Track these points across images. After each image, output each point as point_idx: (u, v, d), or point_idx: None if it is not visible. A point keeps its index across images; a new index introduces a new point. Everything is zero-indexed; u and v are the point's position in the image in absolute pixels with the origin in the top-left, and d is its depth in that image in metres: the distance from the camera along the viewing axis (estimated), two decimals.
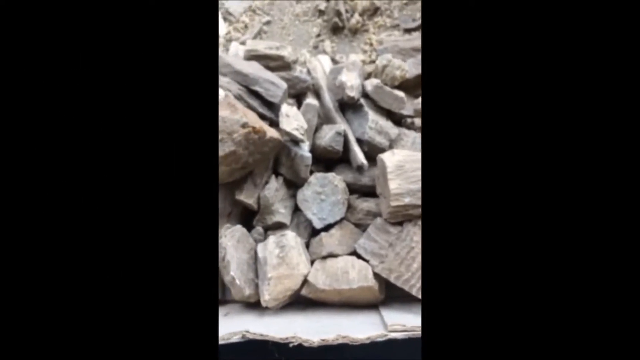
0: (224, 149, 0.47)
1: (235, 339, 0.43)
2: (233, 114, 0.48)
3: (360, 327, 0.46)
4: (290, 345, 0.42)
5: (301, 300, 0.55)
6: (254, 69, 0.58)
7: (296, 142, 0.56)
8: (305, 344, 0.42)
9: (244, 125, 0.48)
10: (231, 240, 0.52)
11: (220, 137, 0.47)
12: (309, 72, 0.65)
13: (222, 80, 0.53)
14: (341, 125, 0.58)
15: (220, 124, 0.48)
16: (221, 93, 0.49)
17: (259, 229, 0.57)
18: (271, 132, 0.51)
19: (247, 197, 0.54)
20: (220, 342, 0.43)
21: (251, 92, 0.57)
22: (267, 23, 0.70)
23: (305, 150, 0.56)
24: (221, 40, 0.69)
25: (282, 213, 0.56)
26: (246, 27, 0.70)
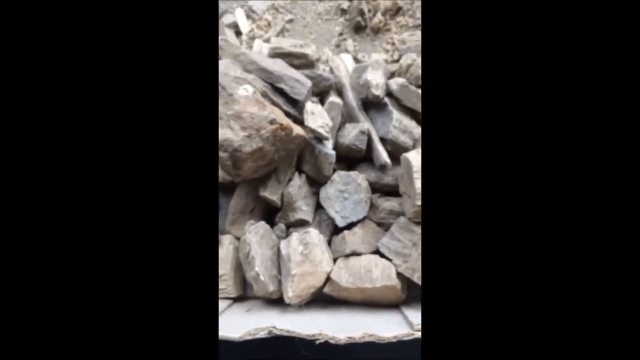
0: (251, 144, 0.48)
1: (262, 334, 0.43)
2: (261, 111, 0.48)
3: (385, 326, 0.46)
4: (317, 342, 0.42)
5: (322, 298, 0.55)
6: (279, 67, 0.58)
7: (320, 139, 0.57)
8: (332, 341, 0.42)
9: (272, 122, 0.48)
10: (255, 237, 0.52)
11: (248, 133, 0.47)
12: (331, 70, 0.65)
13: (247, 77, 0.54)
14: (365, 123, 0.58)
15: (248, 119, 0.48)
16: (249, 89, 0.49)
17: (281, 225, 0.57)
18: (297, 130, 0.51)
19: (271, 193, 0.54)
20: (247, 337, 0.43)
21: (275, 90, 0.57)
22: (290, 21, 0.71)
23: (329, 148, 0.56)
24: (244, 37, 0.69)
25: (304, 210, 0.56)
26: (269, 25, 0.70)
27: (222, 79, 0.49)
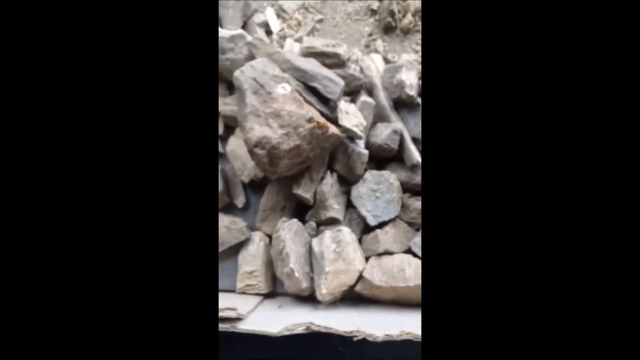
0: (289, 142, 0.48)
1: (300, 330, 0.43)
2: (299, 109, 0.49)
3: (420, 325, 0.46)
4: (355, 339, 0.42)
5: (351, 296, 0.55)
6: (312, 66, 0.58)
7: (352, 138, 0.57)
8: (370, 339, 0.42)
9: (310, 120, 0.48)
10: (289, 234, 0.53)
11: (286, 131, 0.48)
12: (361, 70, 0.65)
13: (285, 75, 0.54)
14: (397, 123, 0.58)
15: (286, 118, 0.48)
16: (287, 88, 0.50)
17: (312, 223, 0.58)
18: (332, 128, 0.52)
19: (304, 191, 0.55)
20: (285, 332, 0.43)
21: (308, 88, 0.58)
22: (320, 21, 0.71)
23: (362, 147, 0.57)
24: (275, 36, 0.70)
25: (335, 209, 0.57)
26: (299, 24, 0.71)
27: (260, 77, 0.50)
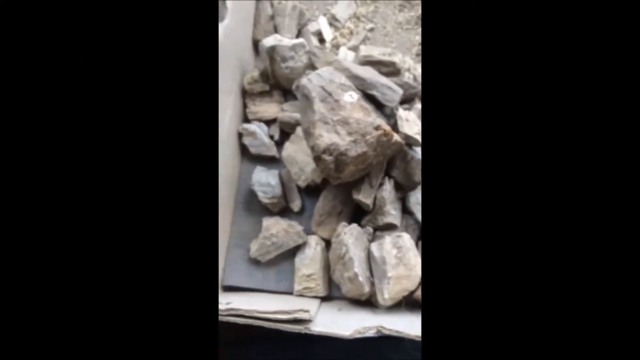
0: (356, 149, 0.49)
1: (370, 333, 0.44)
2: (366, 117, 0.50)
3: None
4: None
5: (408, 301, 0.56)
6: (370, 74, 0.60)
7: (410, 145, 0.58)
8: None
9: (377, 128, 0.50)
10: (350, 238, 0.54)
11: (354, 138, 0.49)
12: (414, 78, 0.66)
13: (351, 84, 0.55)
14: None
15: (354, 125, 0.49)
16: (354, 96, 0.51)
17: (369, 228, 0.59)
18: (395, 136, 0.53)
19: (365, 197, 0.56)
20: (356, 335, 0.44)
21: (366, 96, 0.59)
22: (371, 30, 0.72)
23: (420, 154, 0.57)
24: (328, 45, 0.71)
25: (393, 214, 0.58)
26: (351, 33, 0.72)
27: (327, 86, 0.51)
